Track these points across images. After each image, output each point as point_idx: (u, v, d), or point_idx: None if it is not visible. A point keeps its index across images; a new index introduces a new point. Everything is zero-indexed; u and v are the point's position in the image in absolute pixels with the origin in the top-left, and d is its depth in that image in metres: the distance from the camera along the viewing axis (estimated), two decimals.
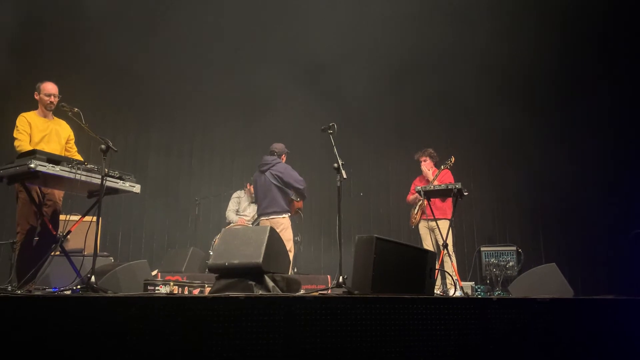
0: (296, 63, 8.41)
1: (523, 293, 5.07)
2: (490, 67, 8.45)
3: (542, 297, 3.60)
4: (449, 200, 6.48)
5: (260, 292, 4.04)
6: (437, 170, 6.83)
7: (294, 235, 6.77)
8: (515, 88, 8.58)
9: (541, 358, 3.25)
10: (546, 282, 5.16)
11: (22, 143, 4.63)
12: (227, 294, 3.88)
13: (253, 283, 4.07)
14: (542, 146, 8.51)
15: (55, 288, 4.18)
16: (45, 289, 4.31)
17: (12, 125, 4.73)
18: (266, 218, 6.42)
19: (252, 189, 7.36)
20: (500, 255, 7.22)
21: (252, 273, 4.12)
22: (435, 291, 4.59)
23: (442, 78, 8.64)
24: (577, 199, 7.99)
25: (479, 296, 5.73)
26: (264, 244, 4.18)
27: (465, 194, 5.66)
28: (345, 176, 4.49)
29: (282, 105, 8.58)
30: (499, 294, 6.37)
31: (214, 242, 7.21)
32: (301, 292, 4.58)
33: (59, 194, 4.85)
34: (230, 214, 7.71)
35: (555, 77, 8.39)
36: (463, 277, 6.30)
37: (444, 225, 6.37)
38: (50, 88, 4.81)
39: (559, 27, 8.05)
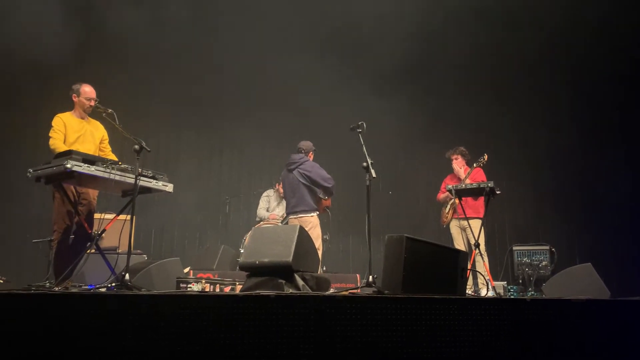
0: (327, 61, 8.43)
1: (557, 293, 4.97)
2: (521, 66, 8.33)
3: (578, 298, 3.52)
4: (482, 199, 6.39)
5: (291, 290, 4.06)
6: (469, 169, 6.75)
7: (323, 234, 6.77)
8: (546, 86, 8.41)
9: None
10: (581, 282, 5.04)
11: (57, 142, 4.74)
12: (257, 292, 3.90)
13: (283, 281, 4.10)
14: (576, 145, 8.33)
15: (91, 285, 4.27)
16: (81, 286, 4.42)
17: (48, 127, 4.86)
18: (295, 217, 6.44)
19: (281, 188, 7.40)
20: (533, 254, 7.08)
21: (283, 271, 4.15)
22: (466, 291, 4.53)
23: (473, 74, 8.55)
24: (613, 198, 7.79)
25: (512, 296, 5.64)
26: (294, 243, 4.20)
27: (498, 192, 5.57)
28: (374, 175, 4.47)
29: (310, 103, 8.59)
30: (532, 294, 6.25)
31: (244, 240, 7.27)
32: (331, 291, 4.58)
33: (93, 193, 4.95)
34: (262, 211, 7.78)
35: (592, 78, 8.20)
36: (495, 277, 6.21)
37: (476, 224, 6.28)
38: (90, 92, 4.93)
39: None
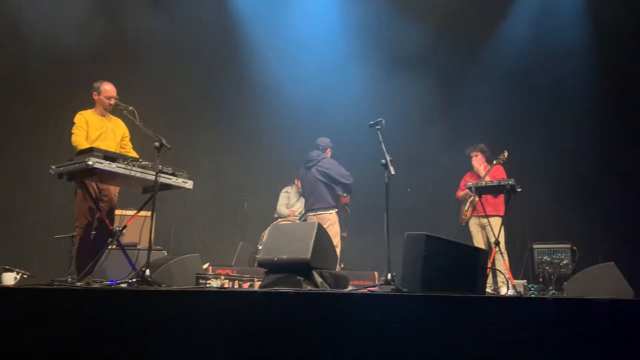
0: (344, 59, 8.43)
1: (579, 293, 4.89)
2: (545, 62, 8.23)
3: (600, 298, 3.47)
4: (501, 197, 6.32)
5: (309, 287, 4.07)
6: (489, 166, 6.68)
7: (341, 231, 6.76)
8: (569, 83, 8.27)
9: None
10: (604, 281, 4.94)
11: (79, 139, 4.80)
12: (276, 288, 3.92)
13: (302, 278, 4.10)
14: (599, 142, 8.19)
15: (112, 281, 4.33)
16: (102, 281, 4.47)
17: (69, 124, 4.93)
18: (313, 214, 6.44)
19: (299, 184, 7.42)
20: (554, 252, 6.97)
21: (301, 268, 4.16)
22: (486, 290, 4.50)
23: (494, 69, 8.48)
24: (637, 196, 7.65)
25: (532, 295, 5.57)
26: (312, 240, 4.21)
27: (519, 190, 5.50)
28: (393, 172, 4.45)
29: (328, 99, 8.58)
30: (553, 293, 6.16)
31: (263, 236, 7.31)
32: (349, 289, 4.58)
33: (114, 190, 5.01)
34: (281, 208, 7.80)
35: (618, 75, 8.07)
36: (515, 276, 6.14)
37: (496, 222, 6.22)
38: (110, 90, 4.98)
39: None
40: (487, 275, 4.46)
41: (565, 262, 6.85)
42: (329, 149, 6.68)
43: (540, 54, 8.44)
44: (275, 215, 7.79)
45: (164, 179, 4.41)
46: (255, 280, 5.32)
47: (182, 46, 8.16)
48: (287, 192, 7.97)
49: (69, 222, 5.10)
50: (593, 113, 8.22)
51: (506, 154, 6.54)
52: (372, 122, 4.75)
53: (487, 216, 6.19)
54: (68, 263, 5.00)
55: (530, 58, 8.52)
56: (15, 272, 5.14)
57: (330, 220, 6.37)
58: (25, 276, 5.23)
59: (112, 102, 4.94)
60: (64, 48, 7.11)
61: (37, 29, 6.99)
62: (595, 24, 8.12)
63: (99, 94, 4.99)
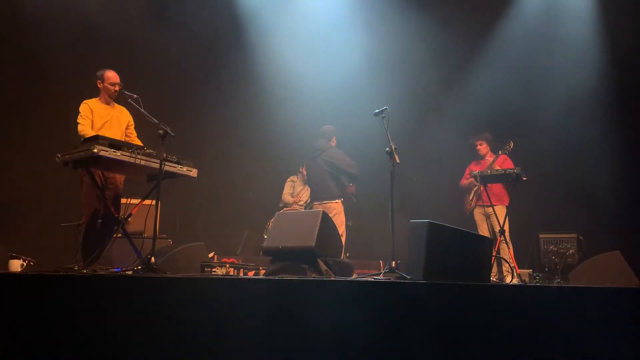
0: (352, 48, 8.40)
1: (584, 282, 4.90)
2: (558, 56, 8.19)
3: (605, 287, 3.46)
4: (506, 186, 6.31)
5: (313, 275, 4.08)
6: (494, 155, 6.64)
7: (347, 220, 6.77)
8: (580, 76, 8.20)
9: (604, 349, 3.12)
10: (609, 271, 4.95)
11: (85, 128, 4.81)
12: (281, 276, 3.94)
13: (306, 266, 4.12)
14: (607, 132, 8.12)
15: (117, 268, 4.35)
16: (108, 269, 4.49)
17: (75, 113, 4.93)
18: (319, 203, 6.46)
19: (304, 171, 7.42)
20: (560, 242, 6.96)
21: (305, 256, 4.17)
22: (491, 279, 4.49)
23: (505, 59, 8.45)
24: None
25: (537, 284, 5.56)
26: (317, 228, 4.22)
27: (524, 179, 5.47)
28: (398, 160, 4.43)
29: (334, 86, 8.55)
30: (558, 282, 6.16)
31: (268, 225, 7.32)
32: (354, 277, 4.58)
33: (120, 178, 5.02)
34: (286, 196, 7.82)
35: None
36: (520, 265, 6.13)
37: (501, 211, 6.20)
38: (113, 77, 4.99)
39: None
40: (491, 264, 4.45)
41: (571, 251, 6.84)
42: (334, 137, 6.67)
43: (548, 45, 8.37)
44: (281, 205, 7.80)
45: (169, 167, 4.42)
46: (261, 268, 5.34)
47: (189, 33, 8.13)
48: (292, 181, 7.98)
49: (75, 210, 5.12)
50: (601, 104, 8.15)
51: (512, 144, 6.50)
52: (377, 111, 4.73)
53: (492, 205, 6.17)
54: (74, 251, 5.03)
55: (538, 49, 8.45)
56: (21, 260, 5.18)
57: (336, 210, 6.38)
58: (31, 263, 5.27)
59: (117, 88, 4.95)
60: (71, 37, 7.11)
61: (45, 19, 6.99)
62: (603, 17, 8.06)
63: (102, 81, 4.99)
